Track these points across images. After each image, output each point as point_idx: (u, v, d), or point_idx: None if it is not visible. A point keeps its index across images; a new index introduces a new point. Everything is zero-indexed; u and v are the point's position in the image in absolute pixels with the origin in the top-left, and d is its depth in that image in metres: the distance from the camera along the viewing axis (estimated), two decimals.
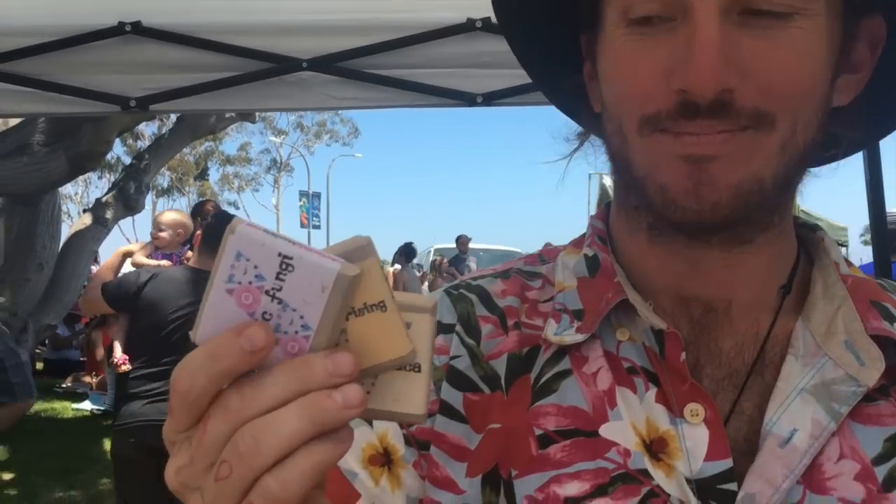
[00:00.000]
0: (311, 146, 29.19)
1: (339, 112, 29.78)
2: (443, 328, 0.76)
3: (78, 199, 24.42)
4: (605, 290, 0.73)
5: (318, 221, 30.41)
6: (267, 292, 0.41)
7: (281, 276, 0.41)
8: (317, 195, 30.43)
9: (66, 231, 8.29)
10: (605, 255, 0.77)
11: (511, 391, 0.71)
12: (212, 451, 0.43)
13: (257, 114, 9.92)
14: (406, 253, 11.88)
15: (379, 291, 0.44)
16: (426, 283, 12.48)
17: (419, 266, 13.33)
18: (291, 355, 0.43)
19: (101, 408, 7.86)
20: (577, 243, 0.82)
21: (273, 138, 27.27)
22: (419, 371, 0.46)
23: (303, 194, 28.29)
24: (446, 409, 0.72)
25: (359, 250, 0.44)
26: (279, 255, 0.41)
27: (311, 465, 0.42)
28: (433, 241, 17.30)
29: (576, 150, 0.83)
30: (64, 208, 9.76)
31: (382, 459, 0.73)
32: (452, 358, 0.74)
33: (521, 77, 2.47)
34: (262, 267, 0.41)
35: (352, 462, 0.73)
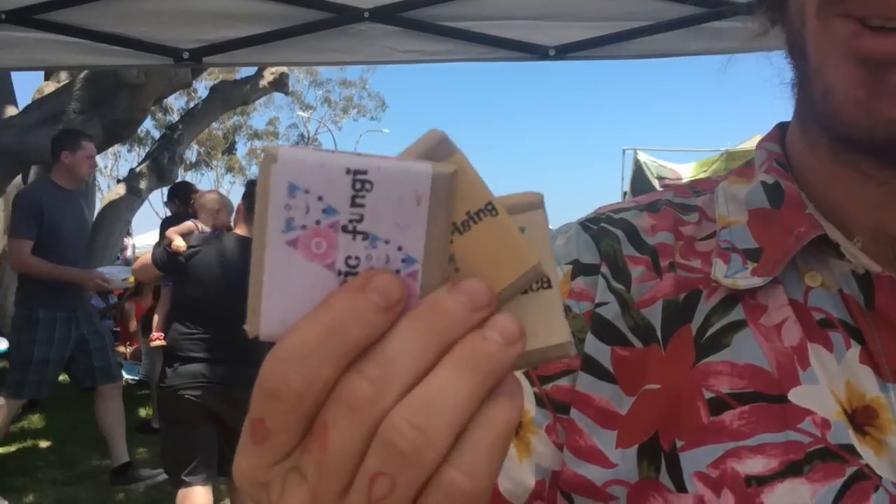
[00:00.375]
0: (339, 121, 29.12)
1: (367, 86, 29.66)
2: (583, 269, 0.64)
3: (108, 172, 24.57)
4: (795, 224, 0.60)
5: None
6: (344, 228, 0.31)
7: (358, 201, 0.31)
8: None
9: (98, 203, 8.28)
10: (788, 183, 0.63)
11: (669, 345, 0.59)
12: (344, 470, 0.31)
13: (289, 87, 9.84)
14: None
15: (480, 192, 0.33)
16: None
17: None
18: None
19: (136, 377, 7.86)
20: (743, 172, 0.68)
21: (301, 113, 27.22)
22: (549, 286, 0.36)
23: None
24: (591, 366, 0.60)
25: (440, 146, 0.33)
26: (348, 171, 0.31)
27: (496, 435, 0.31)
28: None
29: (756, 35, 0.69)
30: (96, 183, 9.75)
31: None
32: (598, 305, 0.62)
33: (598, 28, 2.34)
34: (330, 195, 0.31)
35: None
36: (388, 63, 2.23)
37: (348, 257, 0.31)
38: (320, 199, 0.31)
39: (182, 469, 3.31)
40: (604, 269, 0.63)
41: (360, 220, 0.31)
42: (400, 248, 0.31)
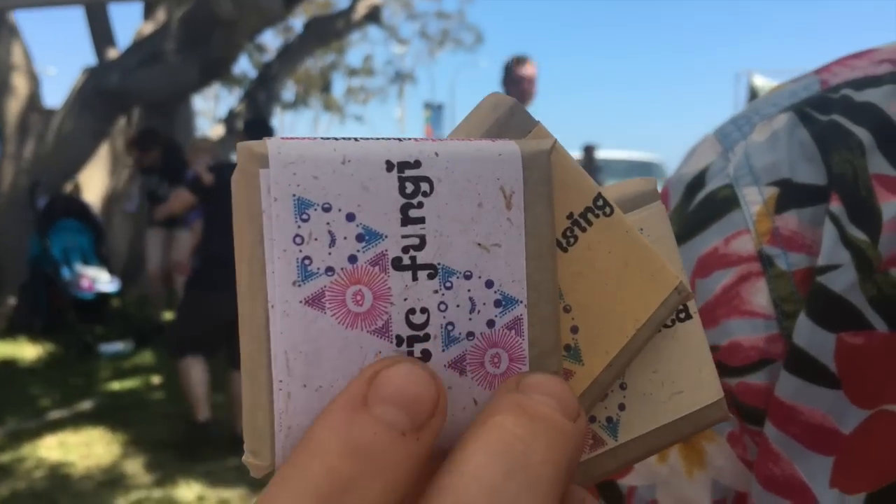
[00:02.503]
0: (435, 55, 28.81)
1: (465, 18, 29.11)
2: (799, 195, 0.41)
3: (210, 114, 25.16)
4: None
5: (443, 134, 30.09)
6: (397, 263, 0.20)
7: (413, 214, 0.20)
8: (441, 107, 30.16)
9: None
10: None
11: None
12: None
13: (383, 20, 9.67)
14: None
15: (584, 183, 0.23)
16: None
17: None
18: (495, 377, 0.21)
19: None
20: None
21: (396, 49, 27.03)
22: (687, 316, 0.25)
23: (427, 105, 28.07)
24: (801, 363, 0.39)
25: (514, 116, 0.23)
26: (389, 165, 0.20)
27: None
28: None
29: None
30: (198, 124, 9.94)
31: None
32: (821, 271, 0.39)
33: None
34: (366, 210, 0.20)
35: None
36: None
37: (411, 312, 0.20)
38: (351, 218, 0.20)
39: (184, 344, 3.80)
40: (835, 204, 0.39)
41: (422, 246, 0.20)
42: (490, 285, 0.21)
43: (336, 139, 0.20)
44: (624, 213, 0.24)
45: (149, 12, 7.83)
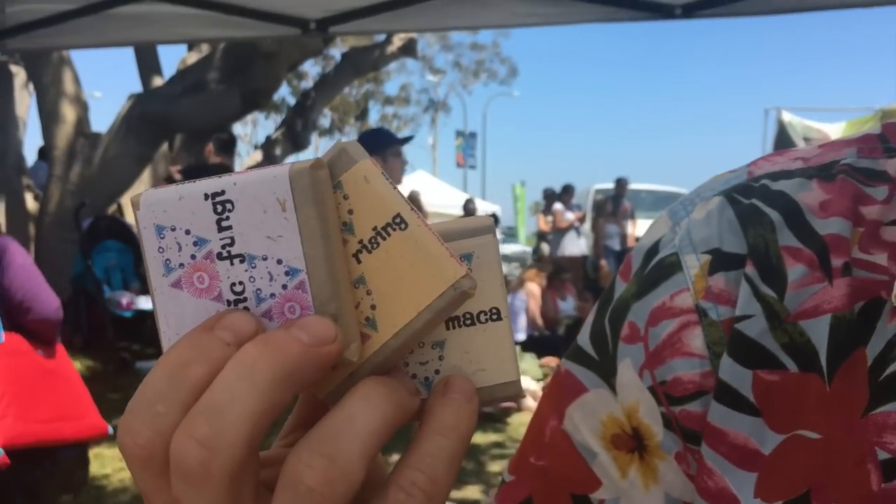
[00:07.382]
0: (468, 86, 29.03)
1: (499, 50, 29.33)
2: (725, 261, 0.50)
3: (247, 139, 25.60)
4: None
5: (474, 161, 30.19)
6: (220, 256, 0.31)
7: (224, 224, 0.30)
8: (472, 135, 30.22)
9: (238, 168, 8.62)
10: None
11: (836, 379, 0.46)
12: None
13: (418, 52, 9.85)
14: (566, 193, 11.59)
15: (387, 204, 0.31)
16: (587, 224, 12.11)
17: (577, 206, 12.83)
18: (293, 320, 0.31)
19: None
20: None
21: (430, 77, 27.25)
22: (499, 318, 0.34)
23: (459, 134, 28.16)
24: (726, 395, 0.48)
25: (340, 157, 0.31)
26: (206, 196, 0.30)
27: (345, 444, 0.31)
28: (593, 181, 16.57)
29: None
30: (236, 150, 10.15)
31: (631, 443, 0.53)
32: (738, 319, 0.48)
33: None
34: (195, 226, 0.31)
35: (587, 435, 0.54)
36: (510, 27, 2.16)
37: (233, 284, 0.31)
38: (188, 232, 0.30)
39: None
40: (749, 269, 0.49)
41: (232, 244, 0.30)
42: (280, 262, 0.30)
43: (182, 183, 0.31)
44: (463, 240, 0.34)
45: (193, 43, 8.08)
